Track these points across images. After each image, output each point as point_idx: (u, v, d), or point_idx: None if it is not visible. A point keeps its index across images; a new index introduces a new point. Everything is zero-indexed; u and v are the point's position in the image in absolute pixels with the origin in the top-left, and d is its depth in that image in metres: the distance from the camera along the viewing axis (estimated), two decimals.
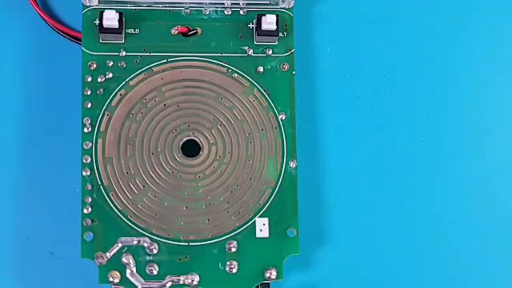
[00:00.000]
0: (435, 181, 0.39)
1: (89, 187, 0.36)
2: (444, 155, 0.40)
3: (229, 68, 0.37)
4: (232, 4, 0.38)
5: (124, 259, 0.35)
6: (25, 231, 0.37)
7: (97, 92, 0.36)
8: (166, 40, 0.37)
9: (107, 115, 0.36)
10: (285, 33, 0.38)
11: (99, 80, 0.36)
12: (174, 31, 0.37)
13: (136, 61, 0.37)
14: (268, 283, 0.36)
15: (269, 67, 0.38)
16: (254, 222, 0.36)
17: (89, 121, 0.36)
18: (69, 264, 0.37)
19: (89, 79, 0.36)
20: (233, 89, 0.37)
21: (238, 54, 0.37)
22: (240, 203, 0.36)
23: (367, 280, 0.38)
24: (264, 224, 0.36)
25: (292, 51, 0.38)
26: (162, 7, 0.37)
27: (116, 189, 0.36)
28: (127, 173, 0.36)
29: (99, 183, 0.36)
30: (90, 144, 0.36)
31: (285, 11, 0.38)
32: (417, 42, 0.41)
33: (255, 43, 0.38)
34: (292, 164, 0.37)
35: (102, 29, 0.36)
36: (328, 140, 0.39)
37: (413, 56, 0.41)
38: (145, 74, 0.37)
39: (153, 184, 0.36)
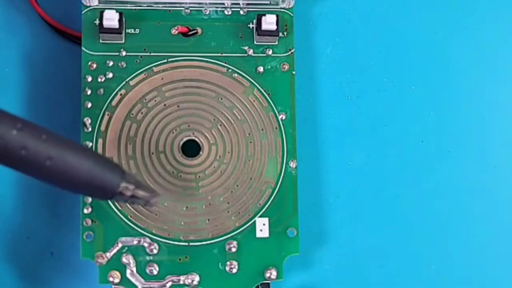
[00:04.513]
0: (435, 181, 0.39)
1: None
2: (444, 155, 0.40)
3: (229, 68, 0.37)
4: (232, 4, 0.38)
5: (124, 259, 0.35)
6: (25, 231, 0.37)
7: (97, 92, 0.36)
8: (166, 40, 0.37)
9: (107, 115, 0.36)
10: (285, 33, 0.38)
11: (99, 80, 0.36)
12: (174, 31, 0.37)
13: (136, 61, 0.37)
14: (268, 283, 0.36)
15: (269, 67, 0.38)
16: (254, 222, 0.36)
17: (89, 121, 0.36)
18: (69, 264, 0.37)
19: (89, 79, 0.36)
20: (233, 89, 0.37)
21: (238, 54, 0.37)
22: (240, 203, 0.36)
23: (367, 280, 0.38)
24: (264, 224, 0.36)
25: (292, 51, 0.38)
26: (162, 7, 0.37)
27: None
28: None
29: None
30: (90, 144, 0.36)
31: (285, 11, 0.38)
32: (417, 42, 0.41)
33: (255, 43, 0.38)
34: (292, 164, 0.37)
35: (102, 29, 0.36)
36: (328, 140, 0.39)
37: (413, 56, 0.40)
38: (145, 74, 0.37)
39: (153, 184, 0.36)
